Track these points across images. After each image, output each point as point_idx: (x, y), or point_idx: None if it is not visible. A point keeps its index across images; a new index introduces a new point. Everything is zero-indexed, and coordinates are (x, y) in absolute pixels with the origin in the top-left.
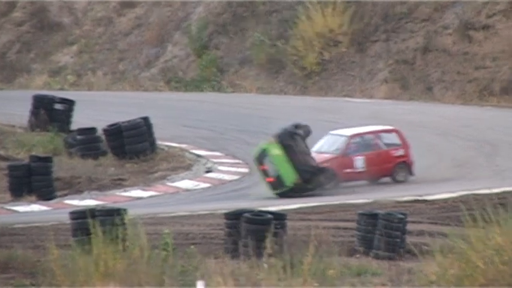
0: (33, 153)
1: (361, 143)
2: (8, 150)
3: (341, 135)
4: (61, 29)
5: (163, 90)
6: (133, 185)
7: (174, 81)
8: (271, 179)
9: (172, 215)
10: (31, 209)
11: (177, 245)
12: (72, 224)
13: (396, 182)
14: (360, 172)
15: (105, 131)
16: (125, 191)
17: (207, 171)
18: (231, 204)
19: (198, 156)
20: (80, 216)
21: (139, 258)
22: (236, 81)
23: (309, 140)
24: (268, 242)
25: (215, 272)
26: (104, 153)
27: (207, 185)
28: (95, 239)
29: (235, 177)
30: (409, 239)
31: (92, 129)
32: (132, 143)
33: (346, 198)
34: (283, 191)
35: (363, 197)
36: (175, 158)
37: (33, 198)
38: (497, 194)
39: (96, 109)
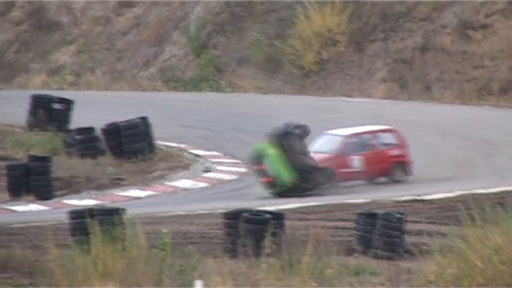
0: (32, 152)
1: (358, 142)
2: (6, 150)
3: (338, 135)
4: (59, 28)
5: (162, 89)
6: (131, 185)
7: (173, 80)
8: (268, 179)
9: (171, 214)
10: (30, 208)
11: (176, 245)
12: (70, 223)
13: (393, 181)
14: (357, 172)
15: (103, 130)
16: (124, 190)
17: (206, 171)
18: (230, 203)
19: (197, 155)
20: (79, 216)
21: (138, 258)
22: (234, 81)
23: (307, 140)
24: (267, 242)
25: (214, 272)
26: (102, 153)
27: (206, 184)
28: (93, 239)
29: (234, 176)
30: (407, 239)
31: (91, 129)
32: (130, 142)
33: (345, 197)
34: (279, 191)
35: (362, 197)
36: (173, 158)
37: (32, 197)
38: (495, 193)
39: (95, 109)
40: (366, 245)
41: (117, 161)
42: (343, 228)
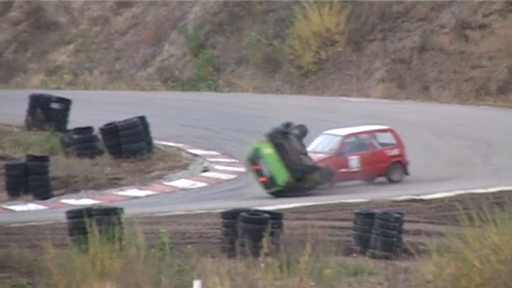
0: (30, 152)
1: (355, 142)
2: (4, 150)
3: (335, 135)
4: (58, 28)
5: (160, 89)
6: (129, 184)
7: (171, 80)
8: (264, 179)
9: (169, 214)
10: (28, 208)
11: (174, 245)
12: (68, 223)
13: (391, 181)
14: (354, 172)
15: (101, 130)
16: (122, 190)
17: (204, 171)
18: (228, 203)
19: (195, 155)
20: (77, 216)
21: (136, 258)
22: (233, 81)
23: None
24: (265, 242)
25: (212, 272)
26: (100, 153)
27: (204, 184)
28: (91, 238)
29: (232, 176)
30: (405, 239)
31: (89, 129)
32: (128, 142)
33: (343, 197)
34: (276, 191)
35: (360, 196)
36: (171, 158)
37: (30, 197)
38: (493, 193)
39: (93, 108)
40: (364, 245)
41: (115, 160)
42: (341, 228)
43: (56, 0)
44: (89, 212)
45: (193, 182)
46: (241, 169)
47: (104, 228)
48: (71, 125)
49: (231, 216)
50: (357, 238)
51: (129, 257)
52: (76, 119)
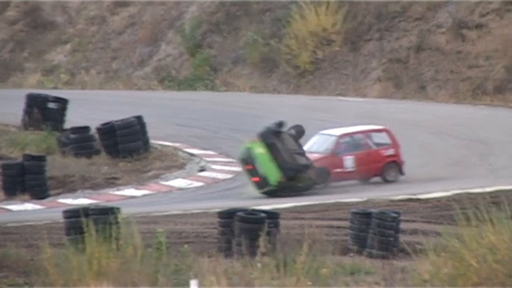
0: (27, 152)
1: (350, 142)
2: (1, 149)
3: (331, 135)
4: (54, 27)
5: (157, 89)
6: (126, 184)
7: (168, 80)
8: (257, 179)
9: (166, 213)
10: (24, 207)
11: (171, 244)
12: (65, 222)
13: (386, 181)
14: (349, 172)
15: (98, 129)
16: (118, 189)
17: (201, 170)
18: (225, 203)
19: (192, 155)
20: (74, 215)
21: (133, 257)
22: (229, 80)
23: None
24: (262, 241)
25: (208, 271)
26: (97, 152)
27: (200, 183)
28: (88, 238)
29: (229, 176)
30: (402, 238)
31: (86, 128)
32: (125, 141)
33: (340, 197)
34: (269, 190)
35: (357, 196)
36: (168, 157)
37: (27, 197)
38: (490, 192)
39: (90, 108)
40: (361, 244)
41: (112, 160)
42: (338, 227)
43: (52, 0)
44: (85, 211)
45: (190, 182)
46: (238, 169)
47: (101, 228)
48: (67, 125)
49: (227, 216)
50: (353, 238)
51: (125, 257)
52: (73, 119)
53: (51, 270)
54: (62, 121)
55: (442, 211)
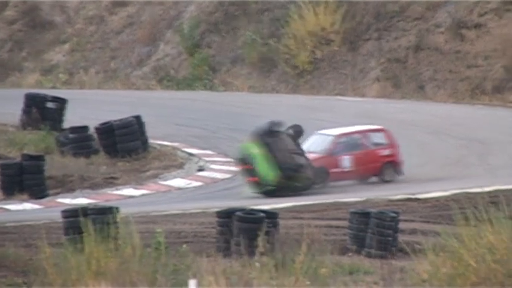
0: (25, 151)
1: (348, 142)
2: None
3: (328, 135)
4: (53, 27)
5: (155, 88)
6: (125, 184)
7: (166, 79)
8: (254, 179)
9: (165, 213)
10: (23, 207)
11: (169, 244)
12: (64, 222)
13: (384, 181)
14: (347, 172)
15: (97, 129)
16: (117, 189)
17: (199, 170)
18: (223, 202)
19: (190, 154)
20: (72, 215)
21: (132, 257)
22: (228, 80)
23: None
24: (260, 241)
25: (207, 271)
26: (96, 152)
27: (199, 183)
28: (87, 238)
29: (227, 175)
30: (401, 238)
31: (84, 128)
32: (124, 141)
33: (338, 196)
34: (266, 190)
35: (355, 196)
36: (167, 157)
37: (25, 196)
38: (489, 192)
39: (88, 107)
40: (359, 244)
41: (110, 160)
42: (337, 227)
43: (51, 0)
44: (84, 211)
45: (188, 181)
46: (237, 168)
47: (99, 228)
48: (66, 124)
49: (226, 216)
50: (352, 237)
51: (124, 257)
52: (71, 118)
53: (50, 270)
54: (61, 121)
55: (441, 211)
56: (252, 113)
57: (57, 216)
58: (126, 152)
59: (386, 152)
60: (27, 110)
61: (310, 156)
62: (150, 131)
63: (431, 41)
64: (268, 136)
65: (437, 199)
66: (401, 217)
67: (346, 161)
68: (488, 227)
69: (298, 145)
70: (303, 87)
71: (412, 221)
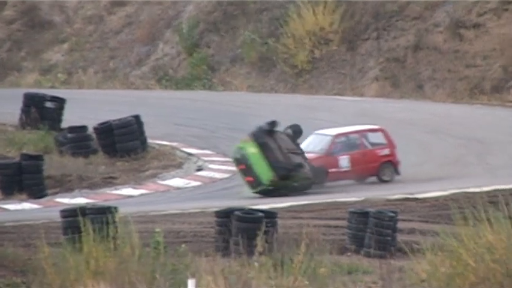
0: (24, 151)
1: (346, 142)
2: None
3: (326, 135)
4: (52, 27)
5: (154, 88)
6: (124, 183)
7: (165, 79)
8: (250, 178)
9: (163, 213)
10: (22, 207)
11: (168, 244)
12: (62, 222)
13: (382, 181)
14: (345, 171)
15: (95, 129)
16: (116, 189)
17: (198, 170)
18: (222, 202)
19: (189, 154)
20: (71, 215)
21: (130, 257)
22: (227, 80)
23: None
24: (259, 240)
25: (206, 271)
26: (94, 152)
27: (198, 183)
28: (85, 237)
29: (226, 175)
30: (400, 237)
31: (83, 128)
32: (123, 141)
33: (337, 196)
34: (262, 190)
35: (354, 195)
36: (166, 156)
37: (24, 196)
38: (487, 192)
39: (87, 107)
40: (358, 244)
41: (109, 159)
42: (336, 226)
43: (50, 0)
44: (83, 211)
45: (187, 181)
46: (235, 168)
47: (98, 227)
48: (65, 124)
49: (225, 215)
50: (351, 237)
51: (123, 256)
52: (70, 118)
53: (49, 269)
54: (60, 120)
55: (440, 210)
56: (251, 112)
57: (55, 216)
58: (125, 152)
59: (384, 151)
60: (26, 110)
61: (308, 156)
62: (149, 130)
63: (430, 41)
64: (265, 135)
65: (436, 199)
66: (400, 217)
67: (345, 161)
68: (487, 226)
69: (297, 145)
70: (301, 87)
71: (411, 220)
